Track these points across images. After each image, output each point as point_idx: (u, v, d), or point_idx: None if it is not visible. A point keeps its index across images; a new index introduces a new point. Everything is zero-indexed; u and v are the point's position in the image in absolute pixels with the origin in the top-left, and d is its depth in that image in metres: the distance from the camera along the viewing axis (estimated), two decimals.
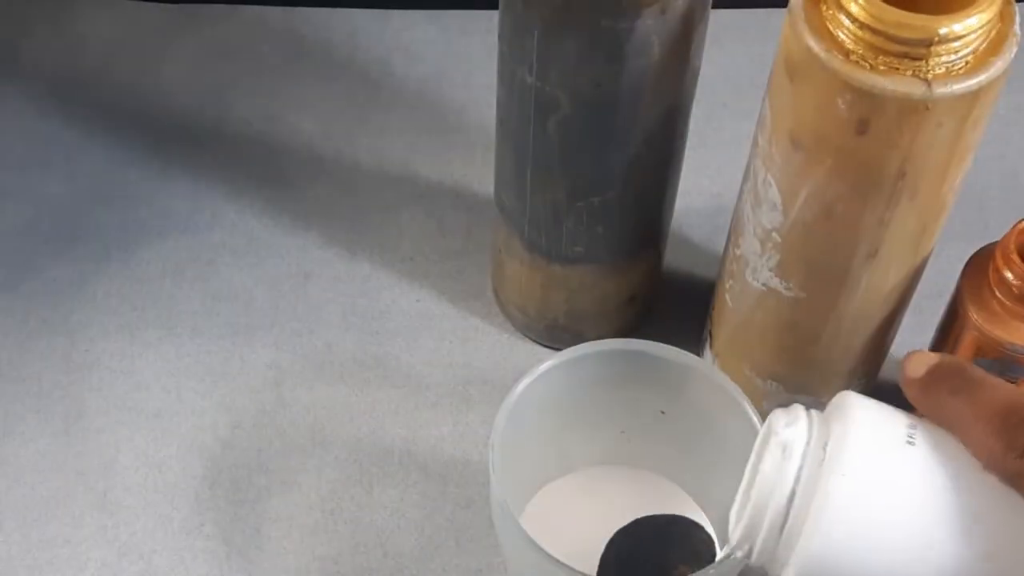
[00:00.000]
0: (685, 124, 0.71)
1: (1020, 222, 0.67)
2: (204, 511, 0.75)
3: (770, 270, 0.69)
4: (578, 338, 0.70)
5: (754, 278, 0.70)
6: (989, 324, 0.67)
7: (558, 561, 0.60)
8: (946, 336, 0.71)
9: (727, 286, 0.74)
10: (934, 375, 0.50)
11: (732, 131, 0.76)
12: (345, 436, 0.78)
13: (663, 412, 0.71)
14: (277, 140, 0.92)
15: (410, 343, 0.82)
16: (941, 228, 0.68)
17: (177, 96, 0.95)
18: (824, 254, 0.66)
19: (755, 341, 0.74)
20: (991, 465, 0.46)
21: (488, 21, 0.73)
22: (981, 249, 0.70)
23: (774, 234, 0.67)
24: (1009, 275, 0.66)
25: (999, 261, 0.67)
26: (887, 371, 0.78)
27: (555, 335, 0.80)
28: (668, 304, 0.83)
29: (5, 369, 0.80)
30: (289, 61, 0.97)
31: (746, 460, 0.62)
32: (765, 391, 0.75)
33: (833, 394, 0.74)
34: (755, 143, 0.66)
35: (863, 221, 0.63)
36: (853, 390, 0.73)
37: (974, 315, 0.68)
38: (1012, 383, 0.68)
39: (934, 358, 0.51)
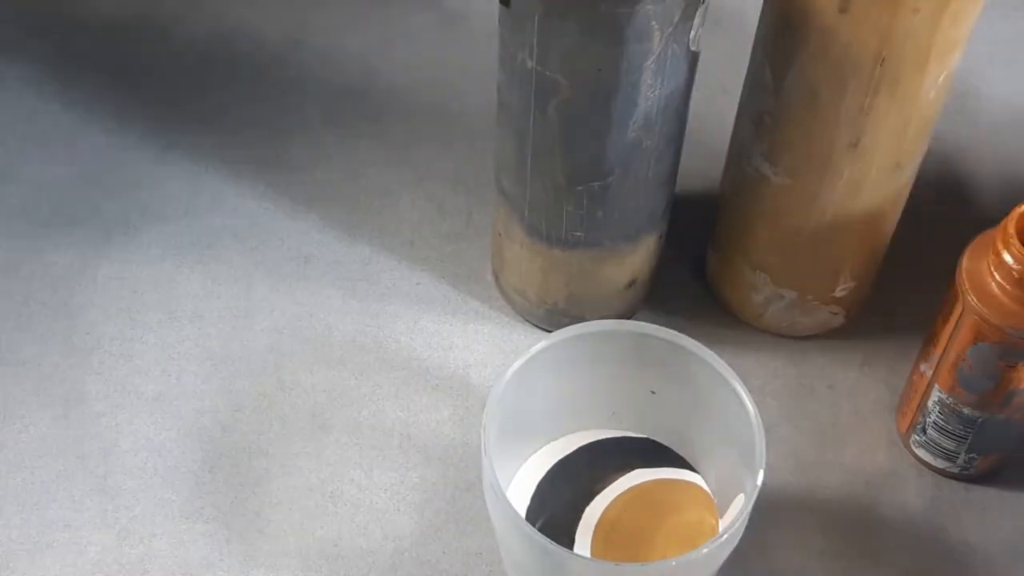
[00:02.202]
0: (685, 108, 0.71)
1: (1020, 206, 0.67)
2: (204, 494, 0.75)
3: (761, 154, 0.72)
4: (578, 322, 0.70)
5: (748, 164, 0.74)
6: (988, 308, 0.67)
7: (550, 542, 0.60)
8: (946, 321, 0.71)
9: (727, 174, 0.78)
10: None
11: (732, 116, 0.76)
12: (345, 419, 0.78)
13: (654, 392, 0.71)
14: (277, 124, 0.92)
15: (410, 326, 0.82)
16: (927, 136, 0.70)
17: (178, 79, 0.95)
18: (809, 139, 0.69)
19: (747, 230, 0.77)
20: None
21: (489, 5, 0.73)
22: (981, 233, 0.70)
23: (766, 117, 0.70)
24: (1009, 259, 0.66)
25: (999, 244, 0.67)
26: (879, 296, 0.80)
27: (555, 319, 0.80)
28: (667, 288, 0.83)
29: (5, 353, 0.80)
30: (290, 45, 0.97)
31: (736, 438, 0.62)
32: (754, 283, 0.79)
33: (818, 293, 0.78)
34: (758, 27, 0.70)
35: (844, 106, 0.66)
36: (839, 293, 0.76)
37: (973, 300, 0.68)
38: (1011, 368, 0.68)
39: None
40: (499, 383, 0.66)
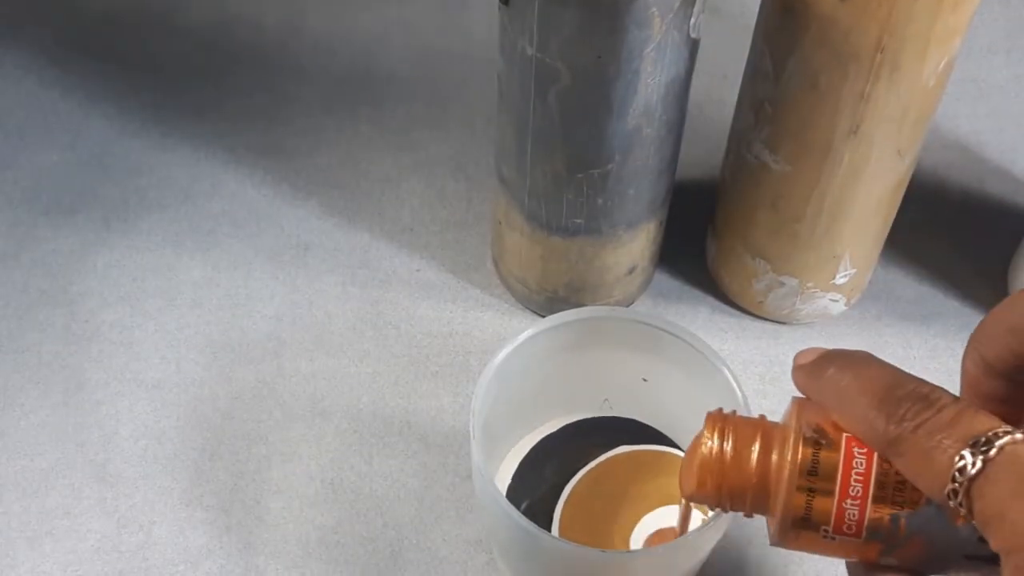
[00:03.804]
0: (685, 96, 0.71)
1: None
2: (204, 482, 0.75)
3: (761, 142, 0.72)
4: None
5: (748, 151, 0.74)
6: None
7: (536, 527, 0.60)
8: None
9: (727, 161, 0.78)
10: (823, 357, 0.50)
11: (732, 103, 0.76)
12: (345, 406, 0.78)
13: (646, 380, 0.71)
14: (277, 110, 0.92)
15: (410, 314, 0.82)
16: (927, 123, 0.70)
17: (177, 66, 0.95)
18: (809, 126, 0.69)
19: (747, 217, 0.77)
20: (869, 437, 0.47)
21: None
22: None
23: (766, 104, 0.70)
24: None
25: None
26: (879, 284, 0.80)
27: (555, 306, 0.80)
28: (668, 276, 0.83)
29: (4, 340, 0.80)
30: (290, 32, 0.97)
31: None
32: (754, 270, 0.79)
33: (819, 280, 0.77)
34: (758, 14, 0.70)
35: (844, 93, 0.66)
36: (839, 280, 0.76)
37: None
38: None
39: (824, 349, 0.52)
40: (487, 369, 0.66)
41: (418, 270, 0.84)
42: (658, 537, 0.69)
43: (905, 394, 0.46)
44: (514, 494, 0.72)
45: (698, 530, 0.60)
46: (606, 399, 0.74)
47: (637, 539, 0.69)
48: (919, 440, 0.45)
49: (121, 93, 0.93)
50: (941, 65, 0.66)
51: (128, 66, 0.95)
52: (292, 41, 0.96)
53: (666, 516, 0.70)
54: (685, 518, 0.61)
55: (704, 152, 0.87)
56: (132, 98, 0.93)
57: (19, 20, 0.97)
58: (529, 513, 0.68)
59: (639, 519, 0.70)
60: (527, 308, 0.82)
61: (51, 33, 0.97)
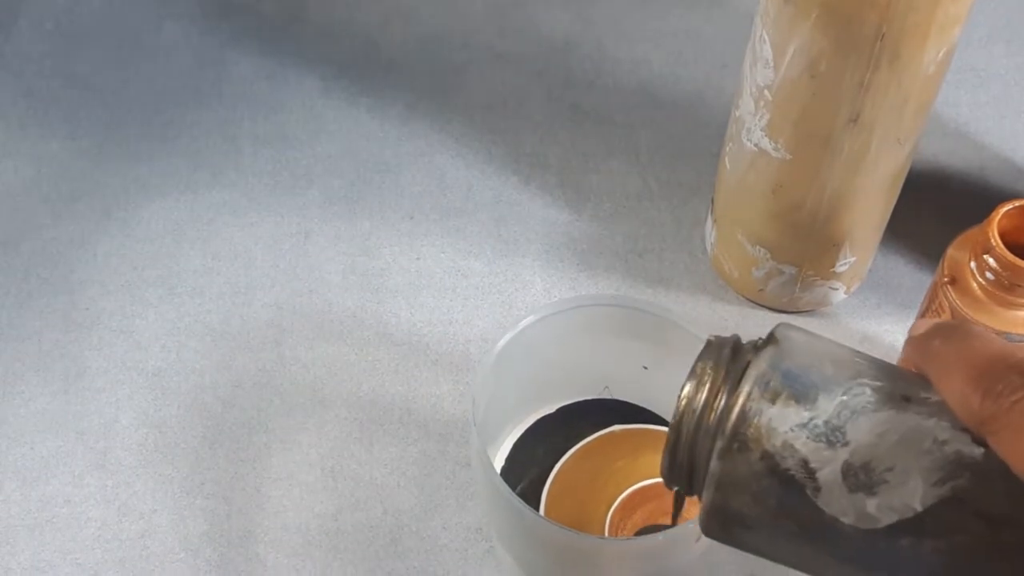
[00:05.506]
0: None
1: (1001, 206, 0.66)
2: (204, 470, 0.75)
3: (761, 130, 0.72)
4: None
5: (748, 139, 0.73)
6: (981, 317, 0.66)
7: (536, 513, 0.60)
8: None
9: (727, 149, 0.77)
10: (933, 328, 0.48)
11: (731, 90, 0.76)
12: (345, 394, 0.78)
13: (646, 367, 0.71)
14: (277, 98, 0.92)
15: (410, 301, 0.82)
16: (927, 111, 0.70)
17: (178, 54, 0.95)
18: (809, 114, 0.69)
19: (747, 205, 0.77)
20: (963, 414, 0.44)
21: None
22: (960, 237, 0.69)
23: (766, 92, 0.70)
24: (991, 261, 0.65)
25: (981, 251, 0.65)
26: (879, 272, 0.81)
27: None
28: (668, 263, 0.83)
29: (5, 328, 0.80)
30: (290, 19, 0.97)
31: None
32: (754, 258, 0.79)
33: (818, 268, 0.77)
34: (759, 2, 0.69)
35: (844, 82, 0.66)
36: (839, 268, 0.75)
37: (963, 310, 0.66)
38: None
39: (939, 320, 0.49)
40: (487, 356, 0.66)
41: (418, 258, 0.84)
42: (638, 513, 0.69)
43: (1007, 367, 0.42)
44: (509, 475, 0.72)
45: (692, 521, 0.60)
46: (606, 387, 0.74)
47: (615, 515, 0.69)
48: (1014, 419, 0.40)
49: (122, 82, 0.93)
50: (941, 53, 0.66)
51: (129, 55, 0.95)
52: (292, 29, 0.96)
53: (650, 493, 0.70)
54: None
55: (704, 140, 0.87)
56: (133, 87, 0.93)
57: (19, 10, 0.97)
58: (525, 493, 0.68)
59: (622, 492, 0.70)
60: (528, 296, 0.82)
61: (52, 22, 0.97)
